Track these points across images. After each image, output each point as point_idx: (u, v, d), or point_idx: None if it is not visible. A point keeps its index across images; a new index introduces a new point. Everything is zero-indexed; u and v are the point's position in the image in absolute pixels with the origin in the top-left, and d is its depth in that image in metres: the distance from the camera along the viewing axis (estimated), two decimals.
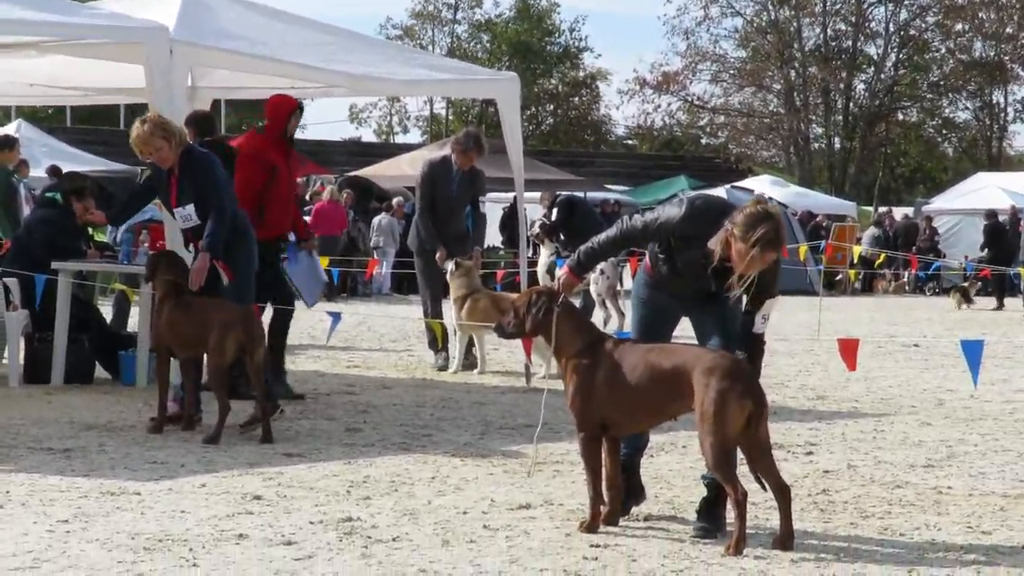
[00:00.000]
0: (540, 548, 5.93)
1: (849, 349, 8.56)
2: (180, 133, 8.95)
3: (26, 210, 14.59)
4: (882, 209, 40.94)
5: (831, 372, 13.23)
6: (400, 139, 65.88)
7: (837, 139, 60.53)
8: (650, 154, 61.61)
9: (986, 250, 28.47)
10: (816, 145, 61.43)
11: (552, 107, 67.19)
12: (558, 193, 21.04)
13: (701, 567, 5.69)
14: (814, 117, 60.48)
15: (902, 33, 59.88)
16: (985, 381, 11.71)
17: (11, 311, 11.07)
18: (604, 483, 6.29)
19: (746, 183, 36.64)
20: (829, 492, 7.35)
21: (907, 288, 32.09)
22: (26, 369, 11.12)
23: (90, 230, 12.52)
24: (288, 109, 10.45)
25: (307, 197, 26.48)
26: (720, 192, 25.59)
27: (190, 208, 8.88)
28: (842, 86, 59.70)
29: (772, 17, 60.10)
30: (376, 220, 26.53)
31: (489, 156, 13.43)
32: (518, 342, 10.83)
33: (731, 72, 61.33)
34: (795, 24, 59.66)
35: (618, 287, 17.24)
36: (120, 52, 10.30)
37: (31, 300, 11.02)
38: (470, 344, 12.66)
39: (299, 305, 10.78)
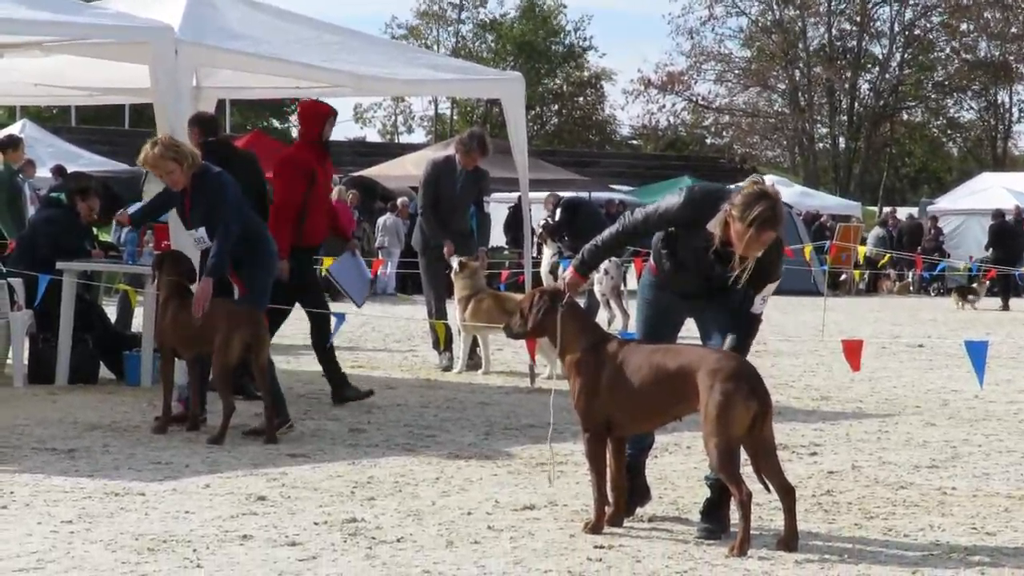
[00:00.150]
0: (544, 549, 5.93)
1: (853, 350, 8.56)
2: (192, 155, 8.74)
3: (31, 210, 14.62)
4: (887, 209, 40.95)
5: (835, 373, 13.22)
6: (404, 139, 66.06)
7: (842, 139, 60.51)
8: (655, 154, 61.64)
9: (991, 250, 28.43)
10: (821, 145, 61.42)
11: (557, 107, 67.24)
12: (559, 195, 21.08)
13: (705, 568, 5.69)
14: (819, 117, 60.48)
15: (907, 33, 59.84)
16: (990, 382, 11.69)
17: (15, 311, 11.07)
18: (609, 484, 6.29)
19: None
20: (833, 493, 7.35)
21: (911, 288, 32.08)
22: (30, 369, 11.13)
23: (94, 230, 12.52)
24: (323, 116, 10.44)
25: None
26: None
27: (202, 231, 8.78)
28: (847, 86, 59.67)
29: (777, 17, 60.09)
30: (380, 220, 26.55)
31: (494, 156, 13.45)
32: (522, 342, 10.83)
33: (736, 72, 61.32)
34: (800, 24, 59.64)
35: (622, 287, 17.24)
36: (125, 52, 10.29)
37: (34, 300, 11.02)
38: (474, 345, 12.66)
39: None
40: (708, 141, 64.76)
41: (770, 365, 13.59)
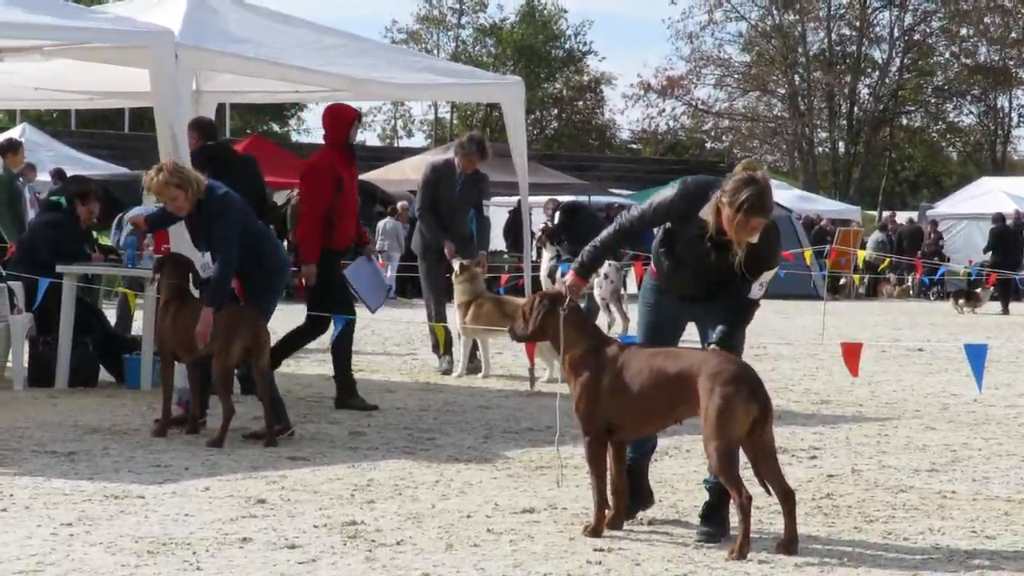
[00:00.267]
0: (544, 552, 5.93)
1: (852, 353, 8.55)
2: (197, 181, 8.58)
3: (31, 214, 14.62)
4: (886, 213, 40.96)
5: (835, 376, 13.22)
6: (404, 143, 66.03)
7: (841, 143, 60.58)
8: (654, 158, 61.60)
9: (990, 253, 28.41)
10: (820, 149, 61.51)
11: (556, 111, 67.26)
12: (558, 200, 21.10)
13: (705, 571, 5.69)
14: (818, 121, 60.55)
15: (907, 38, 59.93)
16: (989, 385, 11.71)
17: (15, 314, 11.08)
18: (609, 487, 6.29)
19: None
20: (833, 496, 7.35)
21: (911, 293, 32.08)
22: (30, 372, 11.13)
23: (94, 233, 12.53)
24: (349, 119, 10.41)
25: None
26: None
27: (208, 257, 8.78)
28: (846, 90, 59.75)
29: (776, 21, 60.16)
30: (380, 224, 26.55)
31: (493, 160, 13.44)
32: (522, 346, 10.83)
33: (735, 76, 61.42)
34: (799, 28, 59.72)
35: (622, 291, 17.24)
36: (125, 56, 10.29)
37: (34, 303, 11.02)
38: (474, 348, 12.66)
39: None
40: (708, 145, 64.80)
41: (770, 369, 13.60)
